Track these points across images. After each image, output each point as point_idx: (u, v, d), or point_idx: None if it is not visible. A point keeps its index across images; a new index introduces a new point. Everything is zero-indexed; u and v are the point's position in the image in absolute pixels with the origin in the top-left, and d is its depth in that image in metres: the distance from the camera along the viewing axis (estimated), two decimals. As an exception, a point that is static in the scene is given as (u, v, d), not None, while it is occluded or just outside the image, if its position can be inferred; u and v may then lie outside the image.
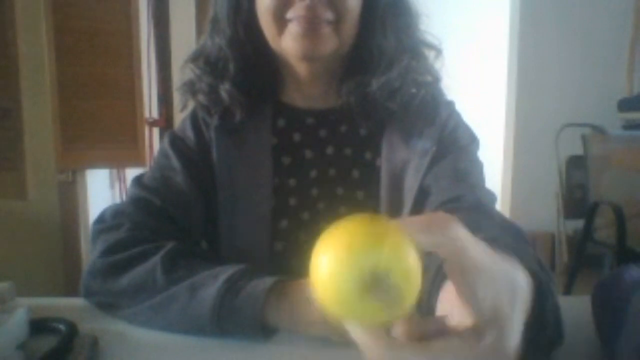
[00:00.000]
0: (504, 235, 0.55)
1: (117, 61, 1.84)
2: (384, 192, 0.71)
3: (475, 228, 0.58)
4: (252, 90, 0.73)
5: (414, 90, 0.72)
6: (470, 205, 0.64)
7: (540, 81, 3.26)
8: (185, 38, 2.61)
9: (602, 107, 3.10)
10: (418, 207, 0.69)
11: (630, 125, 2.91)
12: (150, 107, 2.56)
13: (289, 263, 0.71)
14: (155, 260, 0.59)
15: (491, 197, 0.70)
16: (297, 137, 0.75)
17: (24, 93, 1.55)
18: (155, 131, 2.69)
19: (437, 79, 0.75)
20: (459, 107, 0.80)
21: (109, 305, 0.62)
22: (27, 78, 1.55)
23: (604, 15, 3.18)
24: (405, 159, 0.71)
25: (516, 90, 3.34)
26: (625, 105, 2.99)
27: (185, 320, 0.56)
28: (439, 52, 0.74)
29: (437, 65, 0.75)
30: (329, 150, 0.74)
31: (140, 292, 0.59)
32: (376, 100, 0.71)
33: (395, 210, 0.70)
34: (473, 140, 0.75)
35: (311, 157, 0.74)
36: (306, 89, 0.75)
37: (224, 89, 0.71)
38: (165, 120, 2.70)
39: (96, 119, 1.82)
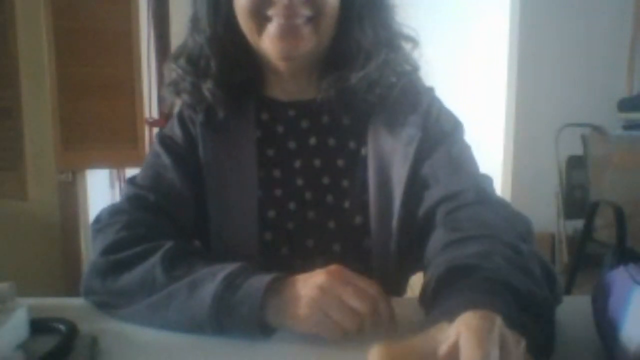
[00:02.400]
0: (505, 237, 0.57)
1: (117, 61, 1.84)
2: (372, 182, 0.72)
3: (480, 224, 0.59)
4: (235, 87, 0.74)
5: (393, 80, 0.73)
6: (472, 201, 0.65)
7: (540, 81, 3.26)
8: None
9: (602, 107, 3.10)
10: (415, 198, 0.70)
11: (630, 125, 2.91)
12: (150, 107, 2.56)
13: (278, 252, 0.73)
14: (155, 259, 0.60)
15: (488, 181, 0.71)
16: (280, 129, 0.76)
17: (24, 93, 1.55)
18: (155, 131, 2.68)
19: (415, 69, 0.76)
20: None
21: (108, 304, 0.62)
22: (27, 78, 1.55)
23: (604, 15, 3.18)
24: (391, 148, 0.72)
25: (516, 91, 3.34)
26: (625, 105, 2.99)
27: (184, 318, 0.56)
28: (416, 43, 0.76)
29: (415, 55, 0.76)
30: (312, 140, 0.76)
31: (140, 291, 0.59)
32: (356, 93, 0.72)
33: (384, 200, 0.71)
34: (458, 125, 0.76)
35: (294, 147, 0.76)
36: (287, 84, 0.76)
37: (206, 88, 0.72)
38: (165, 120, 2.70)
39: (96, 119, 1.82)
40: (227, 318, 0.54)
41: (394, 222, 0.70)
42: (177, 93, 0.75)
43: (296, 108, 0.77)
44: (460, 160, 0.71)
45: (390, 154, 0.72)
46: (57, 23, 1.64)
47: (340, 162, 0.75)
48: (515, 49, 3.34)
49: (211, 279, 0.55)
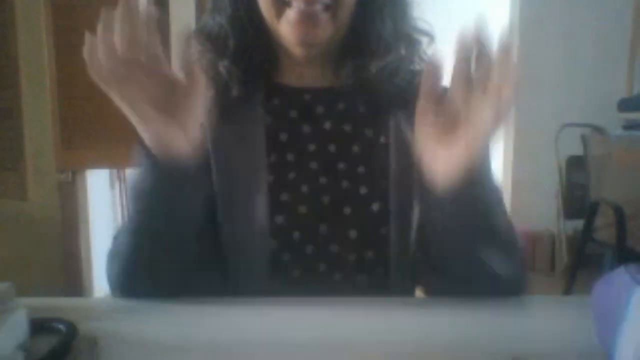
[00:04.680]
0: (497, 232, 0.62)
1: (117, 61, 1.83)
2: (393, 169, 0.73)
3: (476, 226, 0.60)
4: (249, 69, 0.75)
5: (411, 73, 0.75)
6: None
7: (540, 81, 3.26)
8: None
9: (602, 107, 3.10)
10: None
11: (630, 125, 2.91)
12: (150, 107, 2.55)
13: (290, 236, 0.72)
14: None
15: None
16: (293, 113, 0.76)
17: (24, 93, 1.55)
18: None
19: None
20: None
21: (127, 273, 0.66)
22: (27, 78, 1.55)
23: (604, 15, 3.19)
24: (412, 140, 0.73)
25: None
26: (625, 105, 2.99)
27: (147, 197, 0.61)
28: (432, 38, 0.77)
29: (430, 51, 0.77)
30: (327, 125, 0.76)
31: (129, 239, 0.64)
32: (375, 83, 0.74)
33: (405, 189, 0.72)
34: None
35: (309, 131, 0.76)
36: (301, 70, 0.77)
37: (223, 65, 0.74)
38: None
39: (96, 119, 1.81)
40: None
41: (415, 215, 0.71)
42: None
43: (311, 93, 0.77)
44: None
45: (412, 143, 0.73)
46: (57, 23, 1.64)
47: (356, 148, 0.75)
48: (515, 49, 3.34)
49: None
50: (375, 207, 0.72)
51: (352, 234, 0.72)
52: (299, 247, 0.72)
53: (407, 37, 0.75)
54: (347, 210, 0.73)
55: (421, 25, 0.77)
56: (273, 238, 0.71)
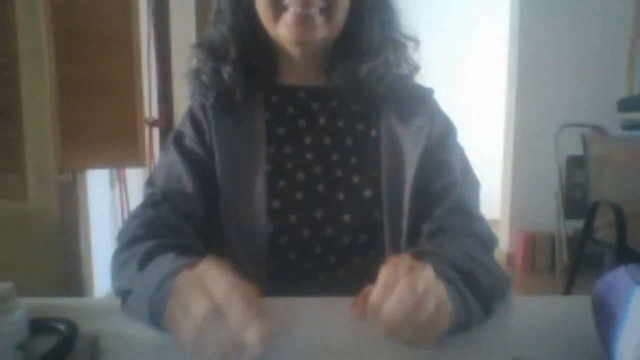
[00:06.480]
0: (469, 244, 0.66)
1: (117, 61, 1.84)
2: (384, 159, 0.77)
3: (452, 235, 0.68)
4: (250, 73, 0.80)
5: (399, 75, 0.80)
6: (449, 208, 0.73)
7: (540, 81, 3.27)
8: (185, 38, 2.61)
9: (602, 107, 3.10)
10: (422, 183, 0.75)
11: (630, 125, 2.91)
12: (150, 107, 2.56)
13: (287, 221, 0.76)
14: (135, 260, 0.63)
15: (473, 190, 0.78)
16: (290, 109, 0.82)
17: (24, 93, 1.55)
18: (155, 131, 2.69)
19: (416, 68, 0.83)
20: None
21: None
22: (27, 78, 1.55)
23: (604, 15, 3.19)
24: (402, 133, 0.78)
25: (516, 90, 3.35)
26: (625, 105, 2.99)
27: (146, 314, 0.57)
28: (417, 43, 0.82)
29: (415, 56, 0.83)
30: (322, 120, 0.81)
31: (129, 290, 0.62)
32: (366, 84, 0.79)
33: (395, 177, 0.76)
34: (453, 128, 0.83)
35: (304, 126, 0.81)
36: (299, 70, 0.82)
37: (226, 71, 0.78)
38: (165, 120, 2.70)
39: (96, 119, 1.82)
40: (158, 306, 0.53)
41: (405, 202, 0.75)
42: (197, 77, 0.81)
43: (306, 91, 0.82)
44: (450, 166, 0.77)
45: (402, 137, 0.78)
46: (57, 23, 1.64)
47: (349, 141, 0.80)
48: (515, 49, 3.35)
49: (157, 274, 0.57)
50: (367, 193, 0.77)
51: (346, 218, 0.76)
52: (295, 230, 0.76)
53: (394, 42, 0.80)
54: (341, 197, 0.77)
55: (407, 31, 0.82)
56: (270, 221, 0.75)
